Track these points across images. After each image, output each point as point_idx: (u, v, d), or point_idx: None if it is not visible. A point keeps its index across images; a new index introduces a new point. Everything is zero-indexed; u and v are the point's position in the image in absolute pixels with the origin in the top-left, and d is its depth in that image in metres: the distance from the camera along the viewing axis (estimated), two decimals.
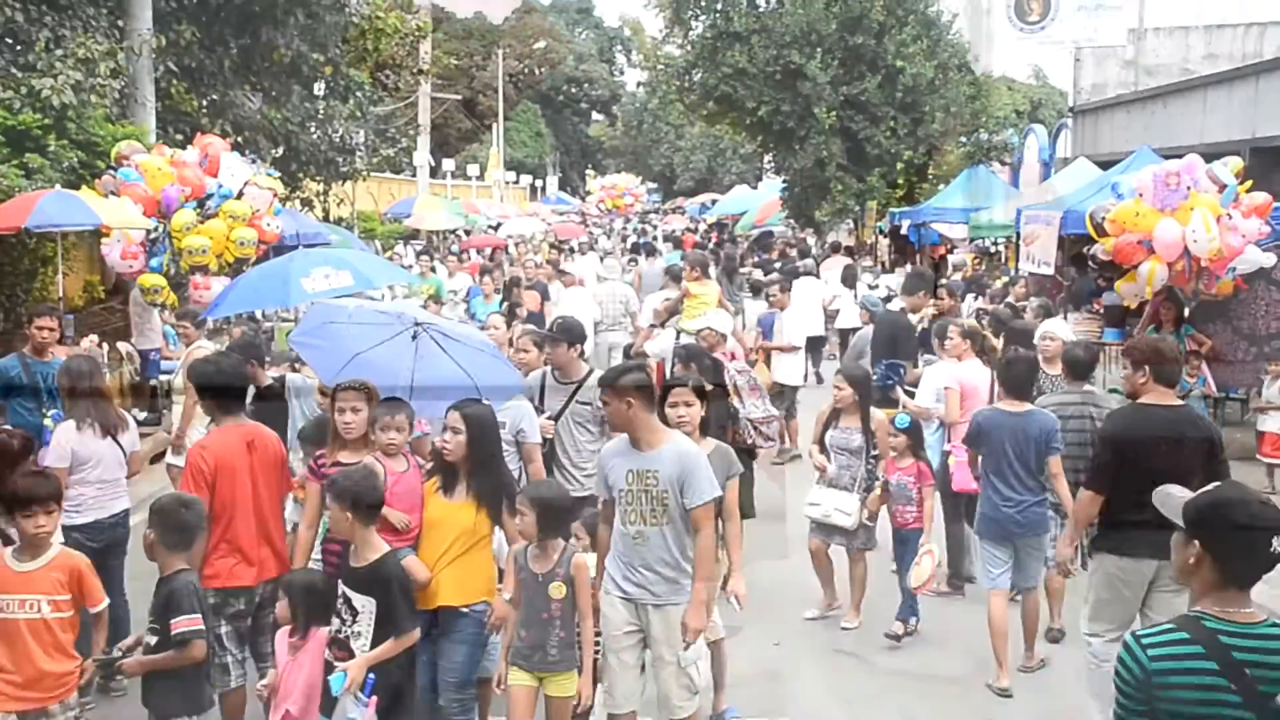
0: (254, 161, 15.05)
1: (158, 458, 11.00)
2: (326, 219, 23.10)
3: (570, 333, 7.76)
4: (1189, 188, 11.03)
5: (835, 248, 25.72)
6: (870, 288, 18.76)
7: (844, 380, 8.06)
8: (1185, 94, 19.70)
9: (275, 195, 14.14)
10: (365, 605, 5.09)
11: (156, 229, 12.77)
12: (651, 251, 21.32)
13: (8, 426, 6.64)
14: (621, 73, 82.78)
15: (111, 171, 12.92)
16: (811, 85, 25.86)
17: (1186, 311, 11.98)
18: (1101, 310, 14.20)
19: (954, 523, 8.67)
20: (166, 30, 16.48)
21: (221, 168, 13.48)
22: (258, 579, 5.92)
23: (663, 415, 5.80)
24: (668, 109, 34.11)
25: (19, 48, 13.94)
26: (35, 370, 8.45)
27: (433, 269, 18.21)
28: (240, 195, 13.36)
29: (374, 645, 5.06)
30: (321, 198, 22.95)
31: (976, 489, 7.66)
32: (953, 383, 8.76)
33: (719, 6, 27.65)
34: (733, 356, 9.58)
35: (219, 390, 6.14)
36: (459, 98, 61.31)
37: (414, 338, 6.38)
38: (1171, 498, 3.45)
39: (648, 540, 5.39)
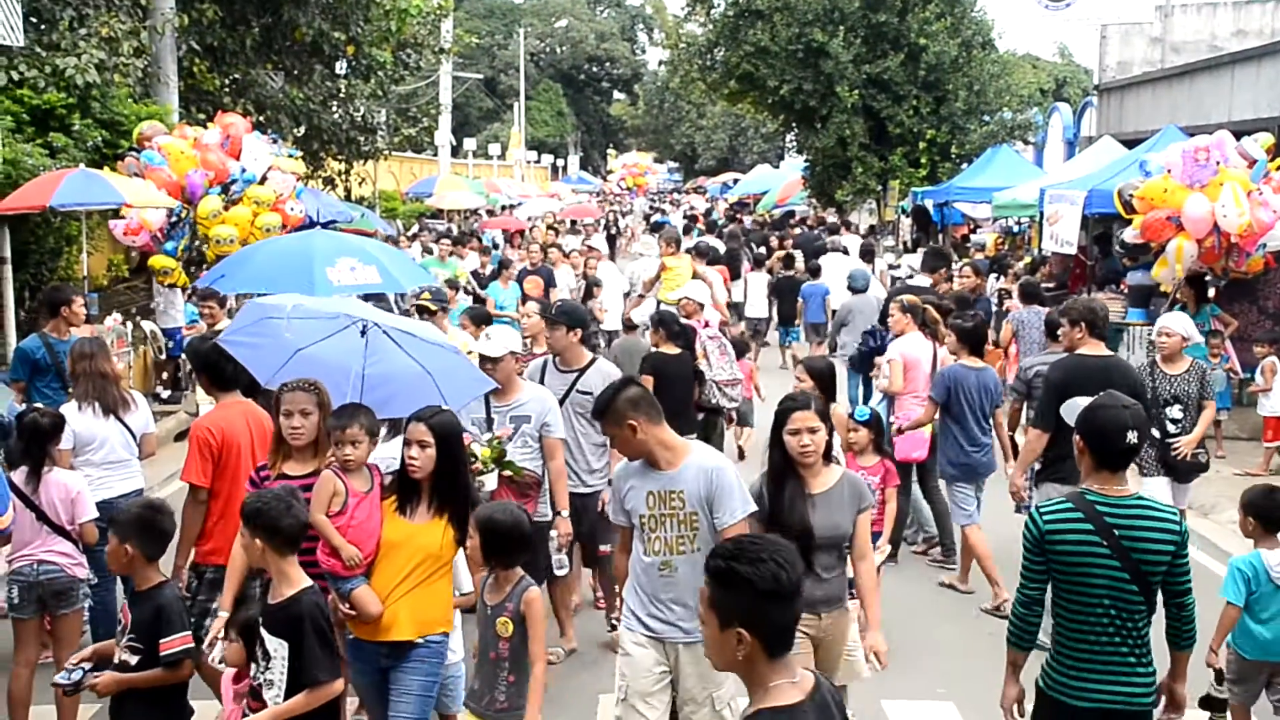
0: (275, 141, 15.00)
1: (182, 435, 11.07)
2: (348, 198, 23.17)
3: (570, 316, 7.33)
4: (1219, 163, 10.91)
5: (845, 225, 25.93)
6: (892, 267, 18.71)
7: (805, 372, 7.30)
8: (1213, 71, 19.48)
9: (298, 178, 14.16)
10: (278, 649, 4.41)
11: (180, 212, 12.86)
12: (676, 242, 21.26)
13: (39, 405, 6.66)
14: (643, 51, 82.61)
15: (134, 153, 12.97)
16: (834, 64, 25.72)
17: (1211, 292, 11.90)
18: (1126, 290, 14.12)
19: (934, 491, 9.09)
20: (189, 9, 16.52)
21: (244, 150, 13.51)
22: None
23: (778, 441, 5.09)
24: (689, 88, 33.88)
25: (43, 27, 13.99)
26: (59, 350, 8.50)
27: (453, 253, 17.92)
28: (264, 180, 13.42)
29: (288, 696, 4.39)
30: (343, 177, 23.02)
31: (919, 457, 8.81)
32: (895, 355, 9.13)
33: None
34: (706, 324, 10.53)
35: (216, 368, 6.12)
36: (480, 77, 61.30)
37: (363, 333, 5.78)
38: (1073, 407, 4.86)
39: (675, 571, 4.82)
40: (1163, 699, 4.47)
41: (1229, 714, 5.82)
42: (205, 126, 14.20)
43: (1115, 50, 25.61)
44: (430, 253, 19.34)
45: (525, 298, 13.45)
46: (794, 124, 30.21)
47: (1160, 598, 4.34)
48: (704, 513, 4.79)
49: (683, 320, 9.85)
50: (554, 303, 8.03)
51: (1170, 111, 19.15)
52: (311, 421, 5.24)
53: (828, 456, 5.15)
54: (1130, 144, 16.94)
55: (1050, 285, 15.35)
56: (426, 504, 4.99)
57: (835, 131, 26.37)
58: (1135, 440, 4.31)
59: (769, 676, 3.05)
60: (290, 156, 14.62)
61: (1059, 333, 7.93)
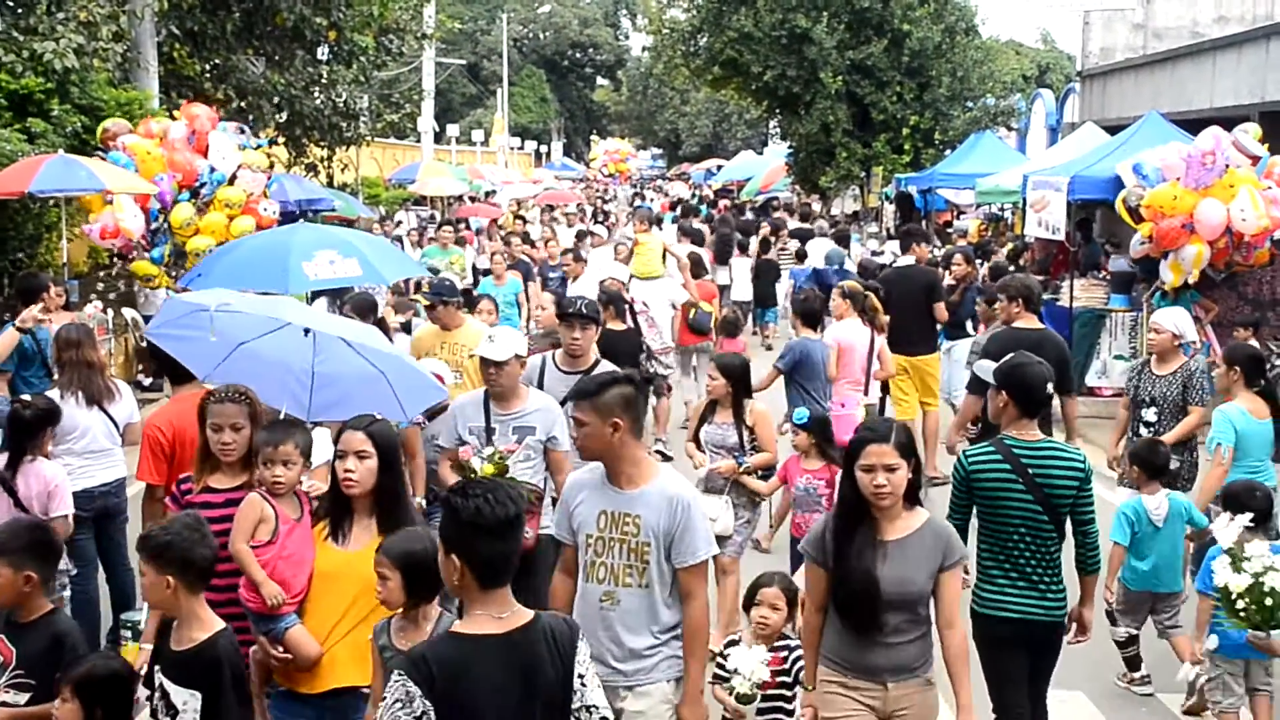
0: (243, 131, 14.76)
1: None
2: (330, 184, 23.04)
3: (597, 315, 7.03)
4: (1226, 166, 10.85)
5: (810, 215, 26.70)
6: (875, 253, 18.75)
7: (716, 370, 7.15)
8: (1194, 57, 19.53)
9: (268, 175, 13.98)
10: (188, 702, 3.80)
11: (156, 218, 12.83)
12: (658, 220, 21.27)
13: (25, 397, 6.57)
14: (626, 37, 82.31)
15: (100, 153, 12.85)
16: (817, 50, 25.69)
17: (1191, 278, 11.92)
18: (1108, 276, 14.17)
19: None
20: None
21: (211, 147, 13.27)
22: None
23: (849, 474, 4.42)
24: (673, 74, 33.79)
25: (20, 11, 13.84)
26: (41, 338, 8.43)
27: (458, 240, 17.08)
28: (233, 180, 13.28)
29: None
30: (325, 163, 22.87)
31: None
32: (831, 341, 9.24)
33: None
34: (633, 298, 11.34)
35: (169, 358, 5.97)
36: (463, 63, 61.03)
37: (306, 333, 5.27)
38: (984, 368, 5.66)
39: (617, 604, 4.29)
40: (1074, 625, 5.24)
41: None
42: (172, 117, 14.09)
43: (1098, 36, 25.63)
44: (401, 243, 18.79)
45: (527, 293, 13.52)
46: (777, 110, 30.17)
47: (1070, 528, 5.13)
48: (659, 546, 4.25)
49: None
50: (576, 298, 7.45)
51: (1153, 98, 19.18)
52: (243, 436, 4.76)
53: (910, 499, 4.41)
54: (1113, 130, 16.97)
55: (1034, 271, 15.40)
56: (364, 526, 4.40)
57: (819, 118, 26.36)
58: (1050, 391, 5.32)
59: (475, 606, 3.32)
60: (259, 148, 14.42)
61: (995, 307, 8.70)
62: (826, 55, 25.68)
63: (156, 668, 3.96)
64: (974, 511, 5.13)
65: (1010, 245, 17.73)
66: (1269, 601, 4.80)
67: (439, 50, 39.71)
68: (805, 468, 6.99)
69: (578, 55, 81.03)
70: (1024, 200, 15.27)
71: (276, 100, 19.77)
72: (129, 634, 5.52)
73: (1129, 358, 12.87)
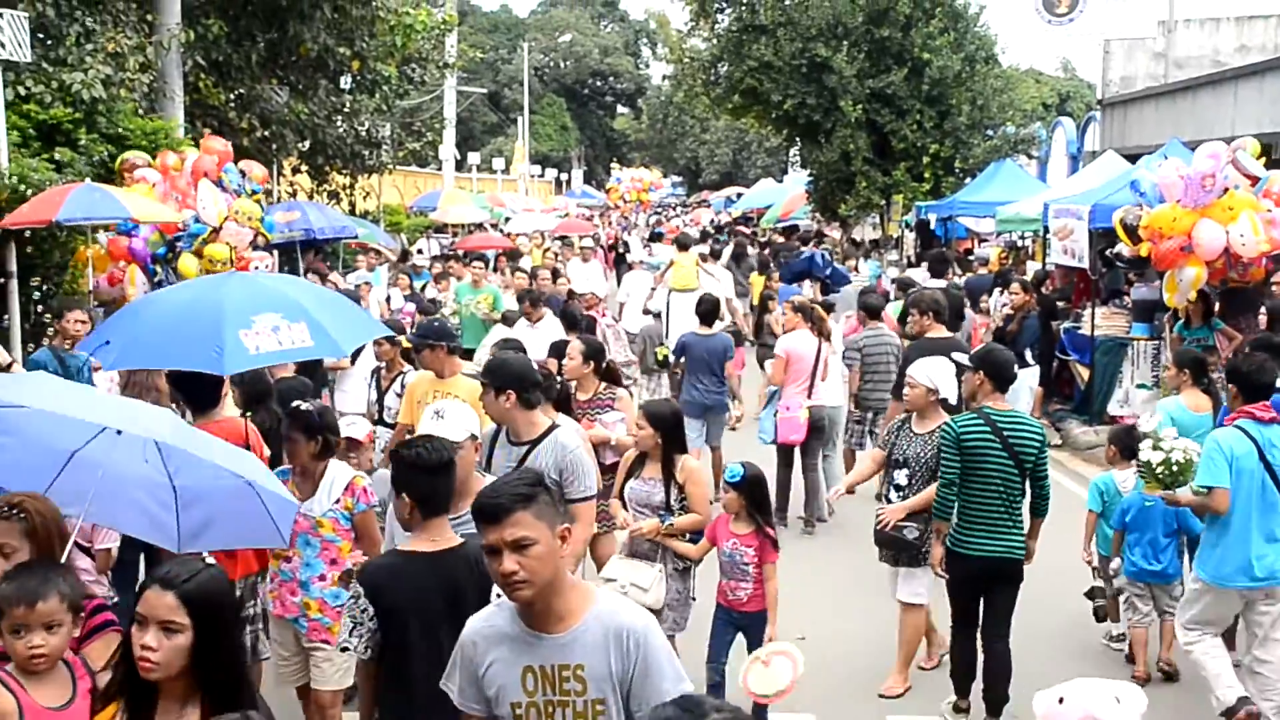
0: (244, 174, 14.30)
1: None
2: (353, 212, 23.19)
3: (538, 384, 6.06)
4: (1225, 188, 10.82)
5: (820, 238, 27.68)
6: (895, 281, 18.77)
7: (645, 418, 6.39)
8: (1215, 86, 19.51)
9: (256, 230, 13.38)
10: None
11: (154, 269, 12.87)
12: (685, 244, 21.33)
13: None
14: (647, 66, 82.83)
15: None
16: (837, 78, 25.76)
17: (1216, 306, 11.87)
18: (1130, 305, 14.11)
19: (810, 470, 10.57)
20: (195, 24, 16.56)
21: (199, 197, 12.86)
22: (240, 574, 5.95)
23: None
24: (693, 102, 33.89)
25: (50, 42, 14.02)
26: (69, 363, 8.50)
27: (486, 269, 16.20)
28: (217, 232, 12.91)
29: None
30: (348, 191, 23.04)
31: (797, 440, 10.30)
32: (781, 351, 10.52)
33: (744, 0, 27.56)
34: (604, 313, 12.59)
35: (188, 387, 5.99)
36: (484, 91, 61.42)
37: (119, 434, 4.08)
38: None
39: None
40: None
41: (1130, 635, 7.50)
42: (196, 145, 14.13)
43: (1118, 65, 25.65)
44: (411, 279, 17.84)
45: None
46: (798, 138, 30.20)
47: (1029, 482, 6.45)
48: (616, 700, 3.21)
49: (585, 311, 11.88)
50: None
51: (1173, 126, 19.18)
52: (19, 559, 3.52)
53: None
54: (1133, 158, 16.94)
55: (1056, 299, 15.37)
56: (175, 714, 3.07)
57: (839, 146, 26.39)
58: (1017, 369, 7.04)
59: (418, 531, 4.25)
60: (254, 195, 14.17)
61: (909, 319, 9.77)
62: (846, 84, 25.75)
63: None
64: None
65: (1030, 275, 17.68)
66: (1175, 469, 6.34)
67: (461, 79, 40.00)
68: (734, 531, 6.25)
69: (598, 84, 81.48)
70: (1045, 228, 15.26)
71: (300, 129, 19.94)
72: None
73: (1151, 386, 12.82)
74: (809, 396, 10.31)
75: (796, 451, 10.55)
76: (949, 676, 6.84)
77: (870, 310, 11.21)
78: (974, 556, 6.37)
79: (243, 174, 14.03)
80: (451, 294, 15.69)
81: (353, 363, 10.66)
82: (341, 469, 5.80)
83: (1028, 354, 12.60)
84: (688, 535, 6.37)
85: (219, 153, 13.79)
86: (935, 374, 7.02)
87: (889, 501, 7.08)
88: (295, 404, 5.80)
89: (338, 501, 5.67)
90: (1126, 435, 7.72)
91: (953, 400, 7.35)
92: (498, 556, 3.17)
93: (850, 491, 8.02)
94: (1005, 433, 6.34)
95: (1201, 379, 7.88)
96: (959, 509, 6.42)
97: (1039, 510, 6.51)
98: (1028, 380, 13.23)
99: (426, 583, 4.13)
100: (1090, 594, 7.86)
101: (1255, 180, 11.05)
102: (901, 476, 6.98)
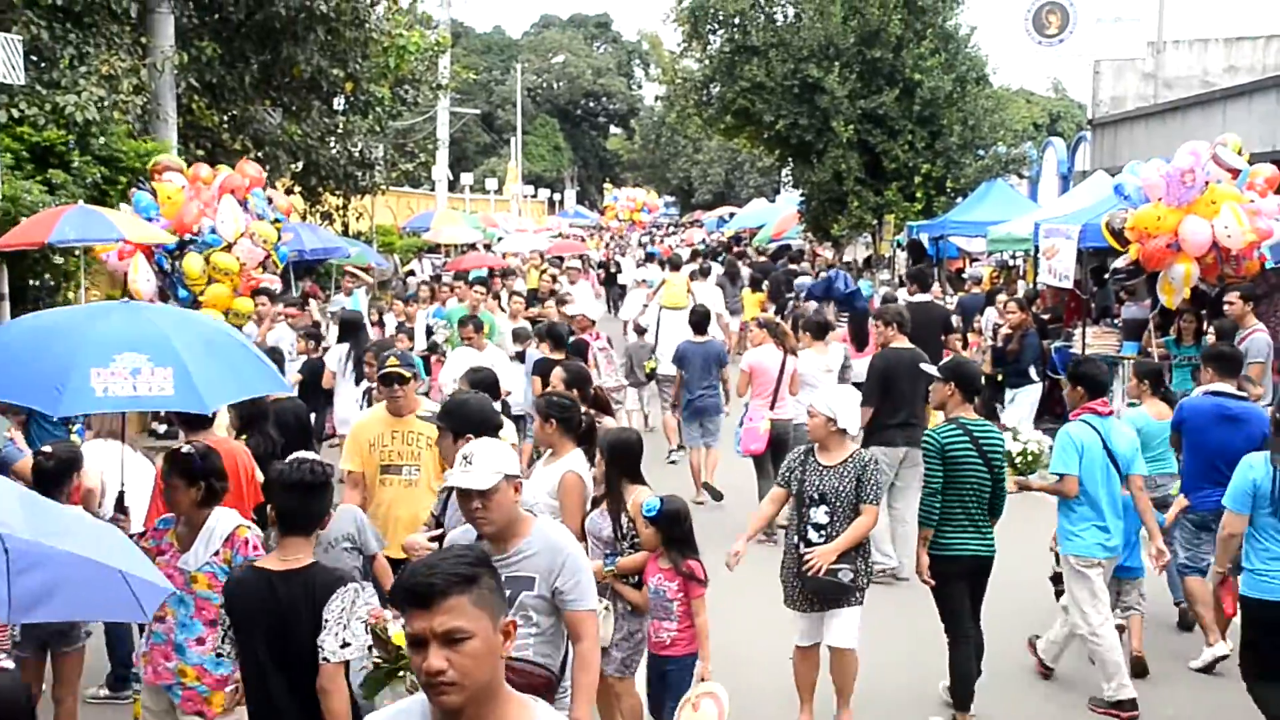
0: (271, 202, 14.52)
1: None
2: (346, 233, 23.22)
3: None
4: (1206, 182, 10.92)
5: (799, 256, 28.47)
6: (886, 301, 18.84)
7: (601, 449, 6.13)
8: (1205, 107, 19.62)
9: (268, 253, 13.68)
10: None
11: (165, 264, 13.02)
12: (677, 264, 21.33)
13: (46, 449, 6.52)
14: (639, 86, 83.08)
15: (137, 185, 13.24)
16: (829, 99, 25.87)
17: (1207, 325, 11.90)
18: (1120, 323, 14.16)
19: (767, 479, 10.55)
20: (188, 47, 16.60)
21: (220, 210, 13.12)
22: None
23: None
24: (685, 123, 33.99)
25: (43, 65, 14.05)
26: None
27: (489, 295, 15.80)
28: (229, 248, 13.14)
29: None
30: (341, 212, 23.07)
31: (757, 450, 10.70)
32: (746, 365, 11.09)
33: (737, 21, 27.68)
34: (597, 336, 12.59)
35: None
36: (478, 112, 61.57)
37: None
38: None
39: None
40: None
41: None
42: (209, 162, 14.29)
43: (1108, 85, 25.79)
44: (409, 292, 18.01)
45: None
46: (790, 158, 30.31)
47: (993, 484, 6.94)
48: None
49: (577, 333, 12.10)
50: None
51: (1163, 146, 19.22)
52: None
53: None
54: None
55: (1046, 318, 15.42)
56: None
57: (831, 166, 26.49)
58: (983, 380, 7.42)
59: (277, 548, 4.58)
60: (275, 222, 14.29)
61: (877, 330, 10.34)
62: (838, 104, 25.86)
63: None
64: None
65: (1021, 293, 17.75)
66: (1029, 459, 7.30)
67: (454, 100, 40.10)
68: (660, 565, 5.89)
69: (591, 104, 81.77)
70: (1036, 247, 15.32)
71: (293, 150, 19.98)
72: (138, 685, 5.57)
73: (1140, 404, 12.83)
74: (771, 409, 10.75)
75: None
76: (943, 691, 7.08)
77: (816, 330, 11.35)
78: (965, 556, 6.85)
79: (269, 200, 14.28)
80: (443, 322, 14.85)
81: (357, 382, 11.11)
82: (225, 517, 5.22)
83: (1031, 370, 12.69)
84: (633, 578, 5.98)
85: (252, 178, 14.07)
86: (836, 404, 6.60)
87: (808, 544, 6.42)
88: (177, 447, 5.41)
89: (216, 554, 5.12)
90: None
91: (852, 432, 6.73)
92: (423, 649, 2.53)
93: (763, 539, 8.68)
94: (980, 441, 6.87)
95: (1159, 389, 8.58)
96: (942, 515, 6.85)
97: (996, 510, 7.03)
98: (1030, 397, 13.34)
99: (264, 599, 4.49)
100: (1054, 578, 8.11)
101: (1236, 173, 11.14)
102: (820, 514, 6.44)
